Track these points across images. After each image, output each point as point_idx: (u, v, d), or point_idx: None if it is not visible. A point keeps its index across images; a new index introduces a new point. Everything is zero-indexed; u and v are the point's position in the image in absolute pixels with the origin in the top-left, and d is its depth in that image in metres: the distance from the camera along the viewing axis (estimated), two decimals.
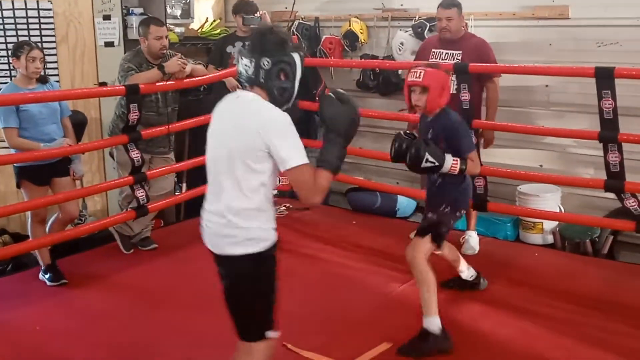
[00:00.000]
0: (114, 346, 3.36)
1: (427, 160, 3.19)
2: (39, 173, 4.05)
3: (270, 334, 2.44)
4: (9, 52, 4.44)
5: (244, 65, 2.34)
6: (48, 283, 4.10)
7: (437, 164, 3.20)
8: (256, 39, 2.36)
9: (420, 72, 3.29)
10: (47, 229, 4.23)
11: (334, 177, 2.37)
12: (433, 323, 3.18)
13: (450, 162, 3.23)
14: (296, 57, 2.36)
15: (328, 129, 2.39)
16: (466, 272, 3.87)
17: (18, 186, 4.11)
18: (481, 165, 3.82)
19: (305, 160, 2.26)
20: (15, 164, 4.09)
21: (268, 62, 2.30)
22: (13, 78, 4.25)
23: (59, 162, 4.13)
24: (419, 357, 3.15)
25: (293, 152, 2.25)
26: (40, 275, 4.16)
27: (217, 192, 2.38)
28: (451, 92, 4.49)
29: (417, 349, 3.17)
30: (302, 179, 2.28)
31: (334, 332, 3.43)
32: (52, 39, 5.31)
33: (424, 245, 3.29)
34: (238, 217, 2.32)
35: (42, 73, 4.07)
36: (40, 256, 4.15)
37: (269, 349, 2.45)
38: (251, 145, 2.26)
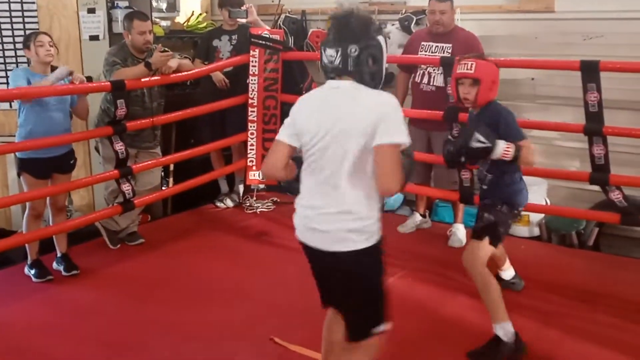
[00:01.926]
0: (101, 342, 3.34)
1: (477, 140, 2.97)
2: (41, 166, 4.02)
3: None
4: None
5: (329, 56, 2.27)
6: (34, 279, 4.08)
7: (487, 144, 2.96)
8: (339, 25, 2.26)
9: (472, 64, 3.13)
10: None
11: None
12: (504, 329, 3.04)
13: (503, 146, 2.98)
14: (381, 39, 2.30)
15: None
16: (507, 272, 3.78)
17: (19, 175, 4.08)
18: None
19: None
20: (18, 155, 4.06)
21: (355, 49, 2.22)
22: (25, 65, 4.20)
23: (63, 157, 4.11)
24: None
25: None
26: (26, 270, 4.14)
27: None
28: (439, 85, 4.57)
29: (488, 356, 3.04)
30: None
31: (322, 324, 3.43)
32: None
33: (483, 249, 3.10)
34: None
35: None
36: (28, 251, 4.12)
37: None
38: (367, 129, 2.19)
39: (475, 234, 3.20)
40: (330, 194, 2.29)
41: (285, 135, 2.41)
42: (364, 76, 2.27)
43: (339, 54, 2.24)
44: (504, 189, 3.20)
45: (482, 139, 2.97)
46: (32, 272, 4.10)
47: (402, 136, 2.21)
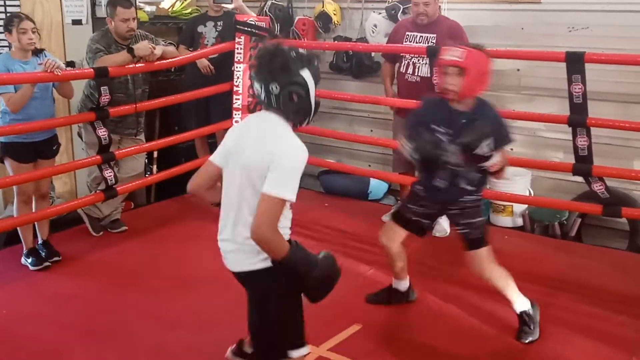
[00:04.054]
0: (84, 330, 3.33)
1: (482, 147, 2.93)
2: (24, 150, 3.98)
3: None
4: None
5: (256, 89, 2.31)
6: (30, 267, 4.03)
7: (490, 154, 2.98)
8: (262, 64, 2.27)
9: (462, 52, 2.94)
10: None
11: (277, 252, 2.30)
12: (522, 304, 3.26)
13: (496, 159, 3.03)
14: (306, 74, 2.26)
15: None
16: (403, 282, 3.59)
17: (2, 161, 4.04)
18: None
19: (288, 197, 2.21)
20: (1, 139, 4.00)
21: (276, 87, 2.24)
22: (9, 50, 4.11)
23: (46, 142, 4.07)
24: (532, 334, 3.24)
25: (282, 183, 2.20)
26: (23, 260, 4.10)
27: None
28: (423, 75, 4.57)
29: (526, 331, 3.24)
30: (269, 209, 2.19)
31: (305, 314, 3.43)
32: None
33: (481, 257, 3.26)
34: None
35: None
36: (23, 239, 4.09)
37: None
38: (262, 166, 2.22)
39: (474, 244, 3.24)
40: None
41: (216, 154, 2.46)
42: (287, 112, 2.29)
43: (262, 89, 2.27)
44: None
45: (487, 148, 2.96)
46: (29, 260, 4.05)
47: (286, 191, 2.20)
